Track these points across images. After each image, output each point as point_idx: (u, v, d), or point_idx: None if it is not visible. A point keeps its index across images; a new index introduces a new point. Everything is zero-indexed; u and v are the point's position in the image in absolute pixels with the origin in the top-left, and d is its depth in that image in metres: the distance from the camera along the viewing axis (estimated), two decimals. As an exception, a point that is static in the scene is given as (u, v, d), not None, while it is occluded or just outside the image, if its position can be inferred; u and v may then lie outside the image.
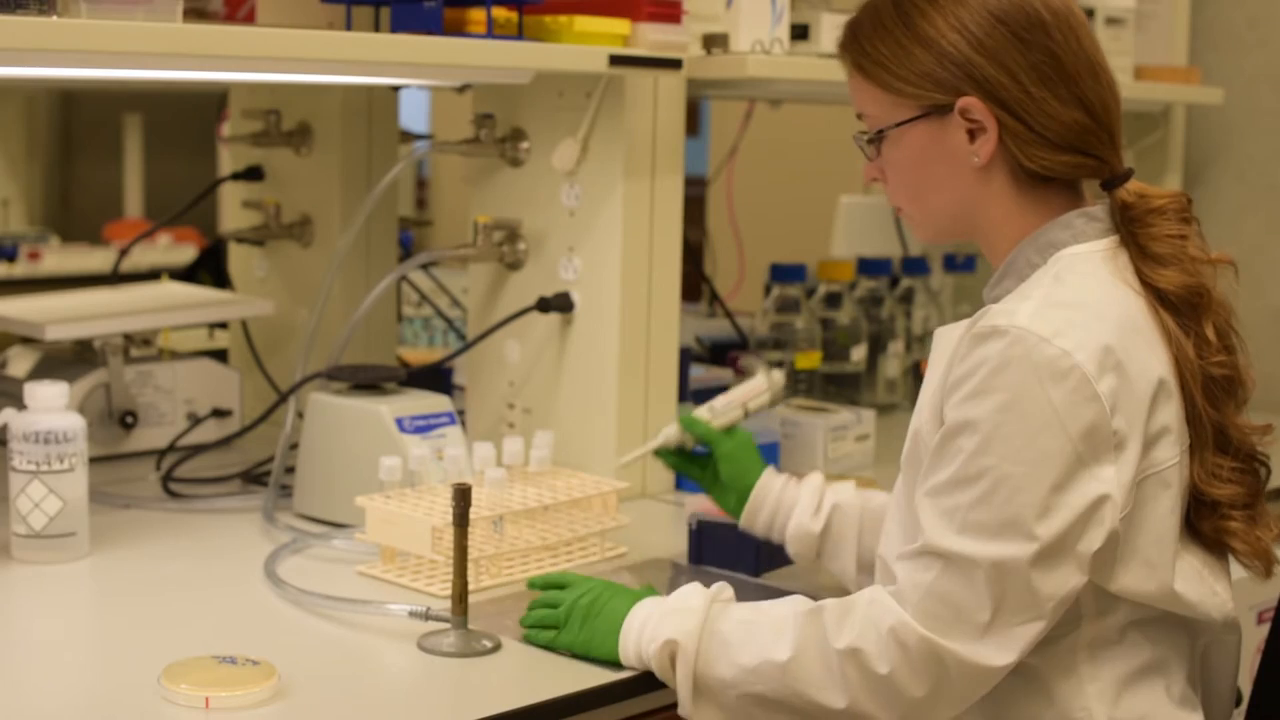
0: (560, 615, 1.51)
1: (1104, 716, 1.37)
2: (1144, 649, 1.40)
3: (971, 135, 1.41)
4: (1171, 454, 1.36)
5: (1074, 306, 1.34)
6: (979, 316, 1.37)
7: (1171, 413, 1.36)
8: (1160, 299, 1.39)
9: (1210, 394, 1.39)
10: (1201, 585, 1.40)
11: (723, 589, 1.46)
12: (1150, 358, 1.36)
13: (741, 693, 1.38)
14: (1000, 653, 1.32)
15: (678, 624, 1.42)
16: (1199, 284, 1.39)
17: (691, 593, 1.46)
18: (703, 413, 1.82)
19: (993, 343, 1.32)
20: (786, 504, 1.72)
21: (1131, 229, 1.41)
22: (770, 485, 1.74)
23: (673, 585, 1.70)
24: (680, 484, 2.14)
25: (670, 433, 1.83)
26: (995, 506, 1.30)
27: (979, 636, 1.31)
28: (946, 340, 1.44)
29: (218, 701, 1.36)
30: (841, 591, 1.55)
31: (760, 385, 1.86)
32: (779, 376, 1.90)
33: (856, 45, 1.45)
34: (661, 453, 1.85)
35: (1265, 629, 1.58)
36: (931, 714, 1.35)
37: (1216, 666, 1.48)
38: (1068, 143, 1.40)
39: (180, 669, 1.39)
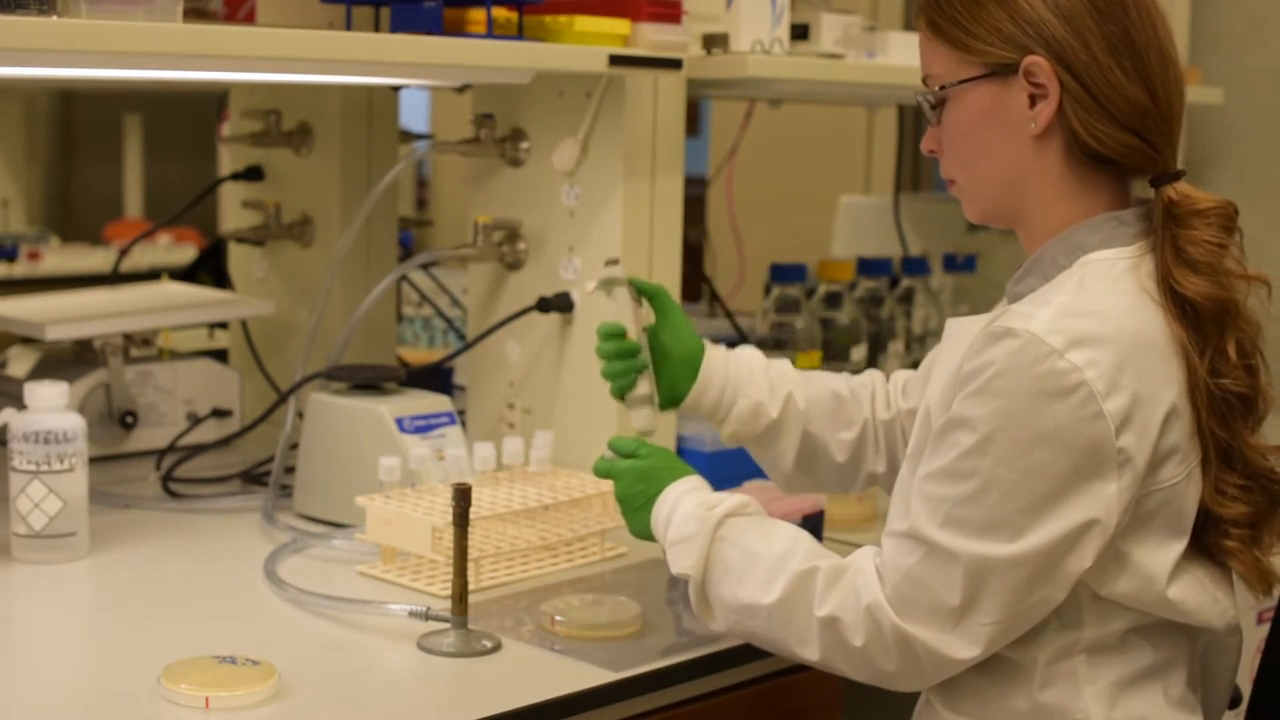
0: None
1: (1101, 719, 1.37)
2: (1145, 653, 1.39)
3: (1032, 101, 1.39)
4: (1177, 472, 1.35)
5: (1093, 317, 1.32)
6: (999, 314, 1.36)
7: (1182, 431, 1.35)
8: (1181, 308, 1.36)
9: (1218, 412, 1.36)
10: (1203, 594, 1.39)
11: (729, 507, 1.48)
12: (1165, 376, 1.34)
13: (734, 620, 1.45)
14: (967, 646, 1.34)
15: (684, 556, 1.47)
16: (1227, 297, 1.37)
17: (690, 518, 1.48)
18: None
19: (1004, 344, 1.32)
20: (734, 380, 1.70)
21: (1171, 229, 1.38)
22: (716, 360, 1.71)
23: (670, 589, 1.72)
24: (680, 484, 2.14)
25: (642, 416, 1.71)
26: (983, 507, 1.31)
27: (949, 628, 1.33)
28: (961, 331, 1.43)
29: (218, 701, 1.36)
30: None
31: (629, 309, 1.72)
32: (614, 272, 1.72)
33: (934, 2, 1.44)
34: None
35: (1265, 629, 1.58)
36: (899, 685, 1.39)
37: (1216, 666, 1.47)
38: (1127, 121, 1.38)
39: (180, 669, 1.39)
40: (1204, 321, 1.36)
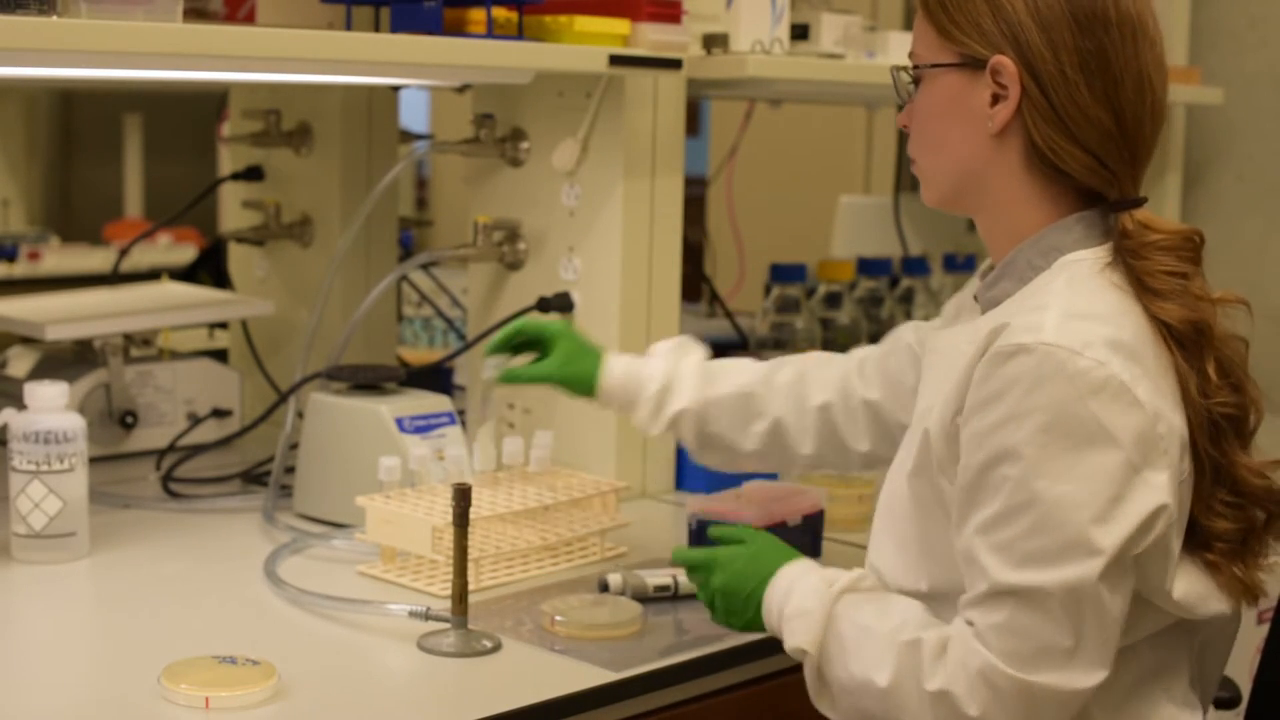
0: (706, 600, 1.53)
1: None
2: (1147, 657, 1.38)
3: (994, 100, 1.39)
4: (1183, 468, 1.34)
5: (1094, 318, 1.31)
6: (998, 332, 1.32)
7: (1182, 428, 1.34)
8: (1164, 327, 1.35)
9: (1209, 432, 1.35)
10: (1203, 586, 1.38)
11: (847, 583, 1.43)
12: (1164, 368, 1.33)
13: (850, 701, 1.39)
14: (1089, 674, 1.29)
15: (802, 631, 1.41)
16: (1201, 319, 1.35)
17: (811, 592, 1.42)
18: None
19: (1020, 361, 1.29)
20: (626, 402, 1.77)
21: (1127, 259, 1.37)
22: (611, 387, 1.77)
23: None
24: (680, 484, 2.14)
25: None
26: (1053, 530, 1.27)
27: (1066, 663, 1.28)
28: (946, 345, 1.42)
29: (218, 701, 1.36)
30: None
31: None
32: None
33: None
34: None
35: (1265, 629, 1.58)
36: None
37: (1210, 656, 1.47)
38: (1086, 141, 1.37)
39: (180, 669, 1.39)
40: (1184, 344, 1.35)
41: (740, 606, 1.48)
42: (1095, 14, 1.37)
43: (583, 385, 1.78)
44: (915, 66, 1.45)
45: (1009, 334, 1.31)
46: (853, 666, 1.37)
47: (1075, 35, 1.36)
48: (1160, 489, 1.29)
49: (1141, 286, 1.36)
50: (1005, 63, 1.37)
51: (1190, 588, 1.37)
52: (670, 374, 1.75)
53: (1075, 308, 1.33)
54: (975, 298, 1.48)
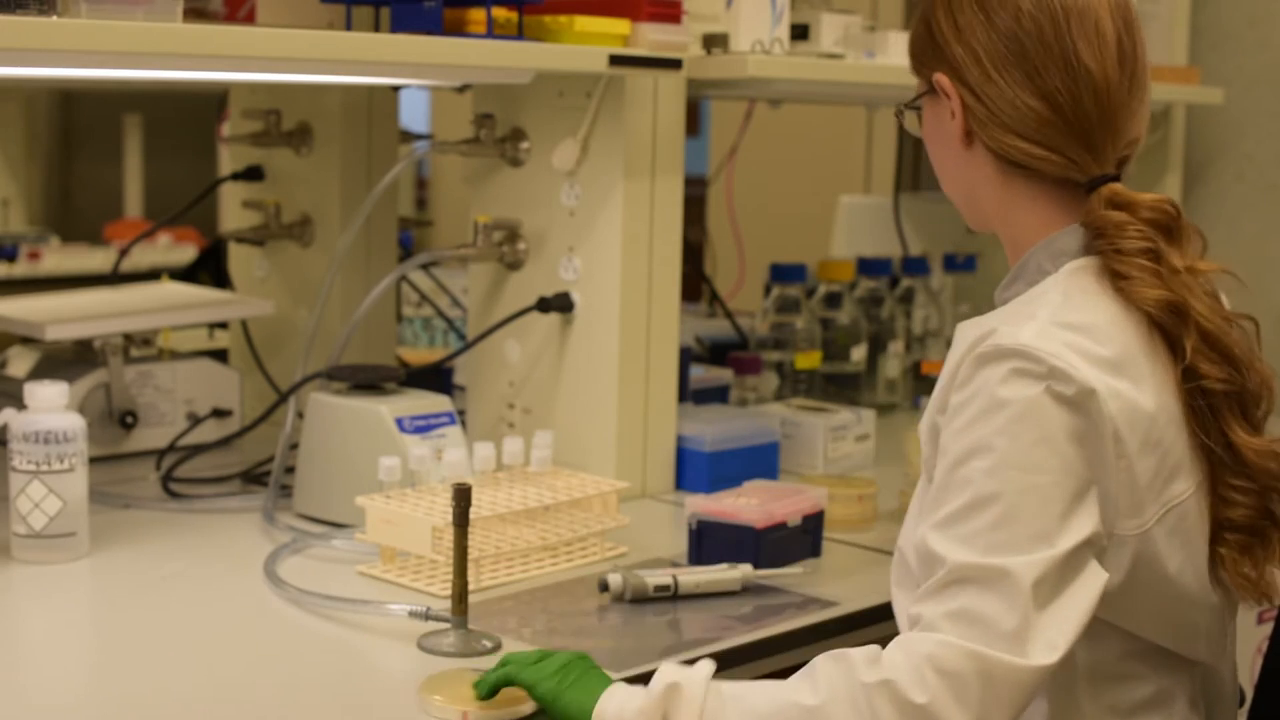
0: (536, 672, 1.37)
1: None
2: (1145, 681, 1.36)
3: (953, 115, 1.42)
4: (1187, 485, 1.33)
5: (1079, 329, 1.31)
6: (985, 335, 1.32)
7: (1183, 441, 1.32)
8: (1149, 317, 1.34)
9: (1203, 416, 1.33)
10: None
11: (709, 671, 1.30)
12: (1156, 384, 1.32)
13: None
14: (1043, 651, 1.23)
15: (676, 673, 1.28)
16: (1175, 298, 1.33)
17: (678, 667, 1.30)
18: None
19: (997, 363, 1.29)
20: None
21: (1099, 245, 1.37)
22: None
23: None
24: (680, 484, 2.14)
25: None
26: (1023, 521, 1.24)
27: (1020, 642, 1.22)
28: (962, 337, 1.42)
29: (474, 717, 1.36)
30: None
31: None
32: None
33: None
34: None
35: (1265, 629, 1.58)
36: None
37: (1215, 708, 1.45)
38: (1025, 132, 1.38)
39: (437, 682, 1.41)
40: (1165, 328, 1.34)
41: (573, 690, 1.33)
42: (1004, 5, 1.39)
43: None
44: (900, 108, 1.51)
45: (993, 337, 1.31)
46: (757, 704, 1.25)
47: (986, 31, 1.39)
48: (1094, 516, 1.27)
49: (1115, 274, 1.35)
50: (941, 79, 1.42)
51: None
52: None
53: (1062, 317, 1.32)
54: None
